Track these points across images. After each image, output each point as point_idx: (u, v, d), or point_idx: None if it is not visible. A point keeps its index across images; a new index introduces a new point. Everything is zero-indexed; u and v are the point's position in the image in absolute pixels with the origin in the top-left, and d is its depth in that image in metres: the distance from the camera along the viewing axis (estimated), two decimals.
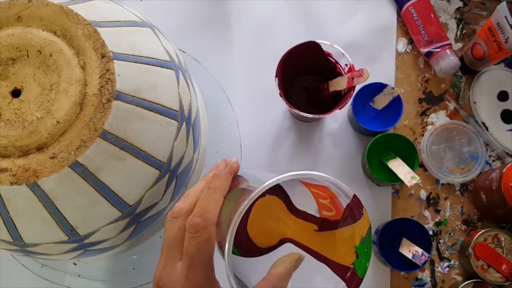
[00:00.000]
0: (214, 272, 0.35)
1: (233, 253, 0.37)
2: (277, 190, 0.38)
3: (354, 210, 0.35)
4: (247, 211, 0.32)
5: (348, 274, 0.35)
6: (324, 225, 0.38)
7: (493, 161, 0.67)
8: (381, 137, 0.62)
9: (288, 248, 0.38)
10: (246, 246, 0.38)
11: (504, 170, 0.58)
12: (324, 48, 0.59)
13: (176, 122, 0.43)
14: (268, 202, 0.38)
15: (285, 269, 0.35)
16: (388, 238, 0.61)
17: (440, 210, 0.65)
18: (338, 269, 0.36)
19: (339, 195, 0.36)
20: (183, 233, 0.35)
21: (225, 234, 0.32)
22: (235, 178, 0.38)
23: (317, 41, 0.58)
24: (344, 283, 0.35)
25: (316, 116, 0.58)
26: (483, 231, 0.60)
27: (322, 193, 0.37)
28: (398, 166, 0.60)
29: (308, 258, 0.37)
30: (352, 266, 0.35)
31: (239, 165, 0.38)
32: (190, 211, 0.36)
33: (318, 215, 0.38)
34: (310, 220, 0.38)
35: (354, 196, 0.34)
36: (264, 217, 0.39)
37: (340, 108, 0.57)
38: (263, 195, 0.32)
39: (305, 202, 0.38)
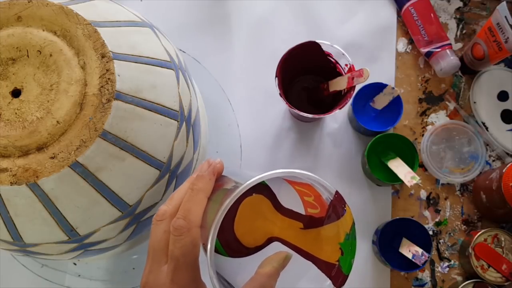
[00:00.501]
0: (200, 274, 0.35)
1: (220, 253, 0.37)
2: (263, 189, 0.38)
3: (337, 206, 0.35)
4: (233, 211, 0.32)
5: (334, 271, 0.35)
6: (310, 222, 0.38)
7: (493, 161, 0.67)
8: (381, 137, 0.62)
9: (276, 247, 0.38)
10: (233, 246, 0.38)
11: (504, 170, 0.58)
12: (324, 48, 0.59)
13: (176, 122, 0.43)
14: (254, 201, 0.38)
15: (273, 268, 0.35)
16: (388, 238, 0.61)
17: (440, 210, 0.65)
18: (324, 266, 0.36)
19: (322, 192, 0.36)
20: (168, 236, 0.35)
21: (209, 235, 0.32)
22: (220, 178, 0.38)
23: (317, 41, 0.58)
24: (330, 280, 0.35)
25: (316, 116, 0.58)
26: (483, 231, 0.60)
27: (306, 190, 0.37)
28: (398, 166, 0.60)
29: (295, 256, 0.37)
30: (337, 263, 0.35)
31: (223, 165, 0.38)
32: (175, 214, 0.35)
33: (304, 213, 0.38)
34: (296, 218, 0.38)
35: (336, 192, 0.34)
36: (251, 216, 0.39)
37: (340, 108, 0.57)
38: (249, 194, 0.32)
39: (291, 200, 0.38)
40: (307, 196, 0.37)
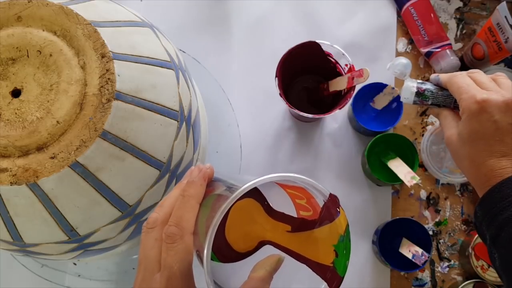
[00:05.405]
0: (194, 282, 0.34)
1: (212, 260, 0.37)
2: (253, 192, 0.37)
3: (331, 208, 0.34)
4: (224, 216, 0.31)
5: (329, 274, 0.34)
6: (303, 225, 0.37)
7: None
8: (381, 137, 0.62)
9: (268, 251, 0.37)
10: (225, 252, 0.37)
11: None
12: (324, 48, 0.59)
13: (176, 122, 0.43)
14: (245, 205, 0.37)
15: (266, 272, 0.34)
16: (388, 238, 0.61)
17: (440, 210, 0.65)
18: (319, 268, 0.35)
19: (316, 195, 0.35)
20: (160, 243, 0.34)
21: (203, 242, 0.31)
22: (210, 183, 0.37)
23: (317, 41, 0.58)
24: (325, 283, 0.34)
25: (316, 116, 0.58)
26: None
27: (299, 193, 0.36)
28: (398, 166, 0.60)
29: (288, 259, 0.36)
30: (332, 265, 0.35)
31: (213, 170, 0.37)
32: (166, 221, 0.35)
33: (295, 216, 0.38)
34: (288, 221, 0.38)
35: (331, 194, 0.34)
36: (242, 220, 0.38)
37: (340, 108, 0.57)
38: (239, 198, 0.32)
39: (282, 203, 0.38)
40: (299, 198, 0.37)
